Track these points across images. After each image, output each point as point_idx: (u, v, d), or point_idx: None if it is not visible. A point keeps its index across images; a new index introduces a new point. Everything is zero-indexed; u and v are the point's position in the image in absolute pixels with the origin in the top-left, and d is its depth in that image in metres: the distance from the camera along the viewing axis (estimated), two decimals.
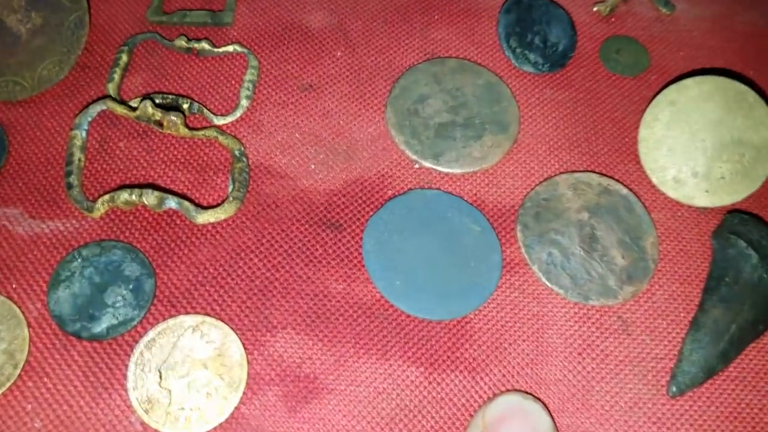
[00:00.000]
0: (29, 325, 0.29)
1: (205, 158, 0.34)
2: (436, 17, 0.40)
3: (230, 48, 0.37)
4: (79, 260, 0.30)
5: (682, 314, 0.33)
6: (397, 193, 0.34)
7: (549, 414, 0.29)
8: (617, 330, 0.32)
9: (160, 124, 0.33)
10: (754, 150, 0.36)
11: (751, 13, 0.43)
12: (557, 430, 0.29)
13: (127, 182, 0.33)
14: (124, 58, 0.36)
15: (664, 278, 0.34)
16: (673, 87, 0.37)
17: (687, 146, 0.36)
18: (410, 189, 0.35)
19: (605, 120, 0.38)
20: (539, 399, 0.30)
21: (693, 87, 0.37)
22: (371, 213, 0.34)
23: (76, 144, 0.33)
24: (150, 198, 0.31)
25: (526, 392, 0.30)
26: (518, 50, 0.39)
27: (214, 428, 0.27)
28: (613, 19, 0.42)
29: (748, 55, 0.41)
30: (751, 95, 0.36)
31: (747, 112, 0.36)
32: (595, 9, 0.42)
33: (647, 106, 0.37)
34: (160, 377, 0.27)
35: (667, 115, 0.37)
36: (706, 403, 0.31)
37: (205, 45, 0.36)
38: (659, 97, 0.37)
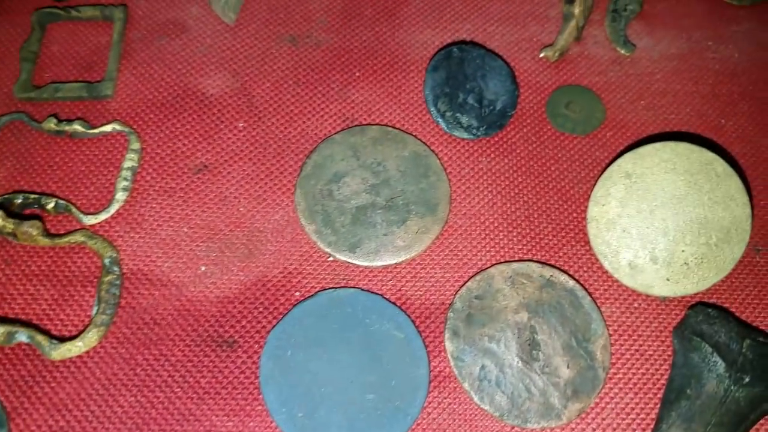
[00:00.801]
0: None
1: (73, 268, 0.29)
2: (356, 75, 0.35)
3: (108, 128, 0.31)
4: None
5: None
6: (304, 296, 0.29)
7: None
8: None
9: (14, 235, 0.28)
10: (723, 231, 0.31)
11: (726, 48, 0.38)
12: None
13: None
14: None
15: (615, 389, 0.29)
16: (628, 156, 0.31)
17: (645, 227, 0.31)
18: (321, 290, 0.29)
19: (550, 193, 0.33)
20: None
21: (651, 155, 0.31)
22: (273, 324, 0.28)
23: None
24: None
25: None
26: (448, 114, 0.34)
27: None
28: (562, 66, 0.37)
29: (720, 99, 0.36)
30: (720, 164, 0.31)
31: (714, 185, 0.31)
32: (541, 55, 0.37)
33: (599, 177, 0.32)
34: None
35: (621, 191, 0.31)
36: None
37: (77, 127, 0.31)
38: (612, 167, 0.32)
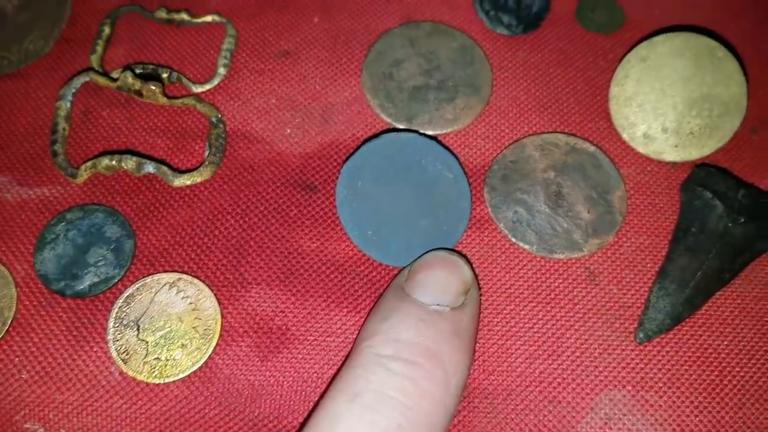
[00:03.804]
0: (16, 285, 0.31)
1: (184, 125, 0.35)
2: None
3: (209, 18, 0.38)
4: (64, 223, 0.32)
5: (648, 264, 0.34)
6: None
7: None
8: (584, 281, 0.33)
9: (139, 93, 0.35)
10: (723, 105, 0.36)
11: None
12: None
13: (109, 149, 0.35)
14: (107, 30, 0.38)
15: (631, 231, 0.34)
16: (644, 44, 0.37)
17: (657, 103, 0.37)
18: (384, 132, 0.36)
19: (578, 79, 0.39)
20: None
21: (663, 43, 0.37)
22: None
23: (61, 114, 0.35)
24: (129, 163, 0.32)
25: None
26: (491, 13, 0.40)
27: (188, 376, 0.29)
28: None
29: (725, 10, 0.41)
30: (721, 50, 0.37)
31: (716, 67, 0.36)
32: None
33: (619, 63, 0.37)
34: (138, 330, 0.29)
35: (637, 72, 0.37)
36: (673, 348, 0.32)
37: (184, 15, 0.37)
38: (630, 54, 0.37)
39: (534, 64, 0.39)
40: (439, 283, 0.29)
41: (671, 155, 0.36)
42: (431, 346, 0.27)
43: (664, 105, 0.37)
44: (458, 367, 0.28)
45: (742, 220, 0.33)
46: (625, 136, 0.37)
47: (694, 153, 0.36)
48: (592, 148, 0.36)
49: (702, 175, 0.35)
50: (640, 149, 0.37)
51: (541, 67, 0.39)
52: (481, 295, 0.32)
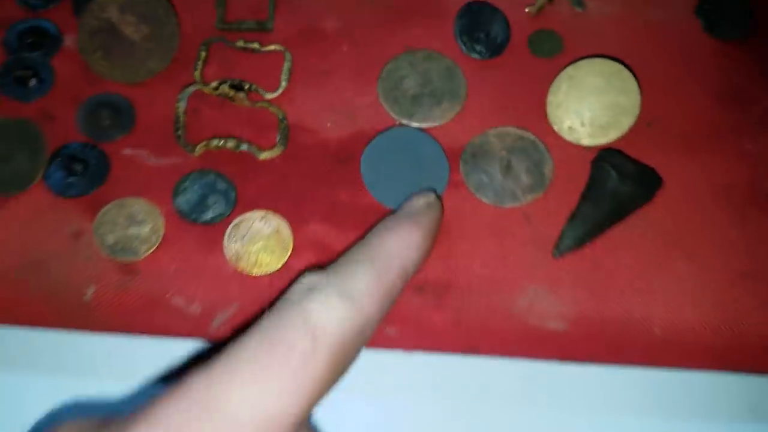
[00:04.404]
0: (164, 216, 0.49)
1: (261, 120, 0.53)
2: (412, 20, 0.59)
3: (272, 47, 0.55)
4: (189, 180, 0.49)
5: (565, 210, 0.51)
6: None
7: None
8: (522, 222, 0.51)
9: (231, 98, 0.52)
10: (624, 108, 0.53)
11: (655, 12, 0.60)
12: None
13: (215, 134, 0.52)
14: (203, 54, 0.55)
15: (555, 190, 0.52)
16: (571, 66, 0.54)
17: (578, 106, 0.54)
18: (393, 126, 0.53)
19: (526, 90, 0.56)
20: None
21: (585, 66, 0.54)
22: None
23: (180, 111, 0.52)
24: (230, 143, 0.50)
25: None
26: (468, 43, 0.57)
27: (275, 272, 0.47)
28: (540, 17, 0.60)
29: (632, 44, 0.59)
30: (626, 72, 0.54)
31: (622, 84, 0.54)
32: (526, 10, 0.60)
33: (554, 79, 0.55)
34: (242, 244, 0.47)
35: (566, 85, 0.54)
36: (576, 261, 0.48)
37: (256, 45, 0.55)
38: (562, 73, 0.54)
39: (498, 80, 0.56)
40: (410, 201, 0.44)
41: (586, 141, 0.53)
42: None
43: (583, 108, 0.54)
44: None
45: (628, 183, 0.51)
46: (555, 128, 0.54)
47: (602, 140, 0.53)
48: (533, 137, 0.53)
49: (605, 154, 0.52)
50: (566, 137, 0.54)
51: (503, 82, 0.56)
52: (450, 231, 0.50)
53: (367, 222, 0.49)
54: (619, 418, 0.47)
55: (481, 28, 0.57)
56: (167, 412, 0.28)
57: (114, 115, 0.51)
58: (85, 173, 0.49)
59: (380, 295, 0.35)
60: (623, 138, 0.52)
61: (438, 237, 0.46)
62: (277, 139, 0.51)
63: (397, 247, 0.38)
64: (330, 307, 0.33)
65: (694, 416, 0.47)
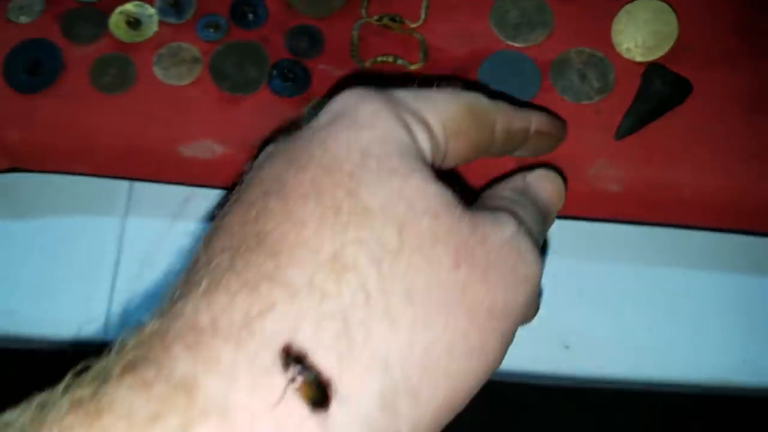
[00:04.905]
0: None
1: (409, 43, 0.75)
2: None
3: None
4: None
5: (623, 107, 0.73)
6: None
7: None
8: (594, 114, 0.73)
9: (390, 28, 0.75)
10: (665, 35, 0.74)
11: None
12: None
13: (378, 53, 0.75)
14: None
15: (617, 93, 0.74)
16: (629, 4, 0.76)
17: (634, 32, 0.75)
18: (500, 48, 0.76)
19: (598, 22, 0.77)
20: None
21: (639, 4, 0.75)
22: None
23: (354, 37, 0.75)
24: (389, 58, 0.73)
25: None
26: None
27: None
28: None
29: None
30: (667, 8, 0.74)
31: (665, 17, 0.73)
32: None
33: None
34: None
35: (625, 17, 0.75)
36: (630, 142, 0.72)
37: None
38: (622, 9, 0.75)
39: (576, 13, 0.78)
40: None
41: (639, 58, 0.74)
42: None
43: (637, 34, 0.75)
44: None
45: (667, 88, 0.73)
46: (617, 49, 0.75)
47: (650, 57, 0.74)
48: (601, 54, 0.74)
49: (652, 68, 0.74)
50: (624, 55, 0.74)
51: (580, 14, 0.77)
52: None
53: None
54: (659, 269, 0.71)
55: None
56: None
57: (310, 39, 0.74)
58: (295, 81, 0.72)
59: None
60: (665, 56, 0.73)
61: None
62: (419, 56, 0.74)
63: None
64: None
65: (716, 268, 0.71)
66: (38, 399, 0.23)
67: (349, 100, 0.34)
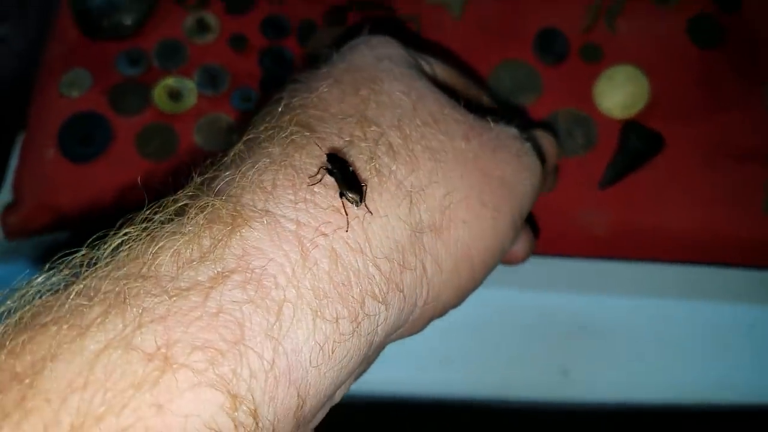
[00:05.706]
0: None
1: None
2: (503, 41, 0.91)
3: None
4: None
5: (605, 160, 0.84)
6: None
7: None
8: (579, 167, 0.84)
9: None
10: (639, 96, 0.86)
11: (660, 28, 0.92)
12: None
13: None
14: None
15: (599, 147, 0.85)
16: (608, 69, 0.86)
17: (612, 93, 0.86)
18: None
19: (580, 84, 0.88)
20: None
21: (616, 69, 0.86)
22: None
23: None
24: None
25: None
26: (542, 54, 0.89)
27: None
28: (587, 35, 0.92)
29: (653, 54, 0.91)
30: (640, 73, 0.85)
31: (637, 80, 0.86)
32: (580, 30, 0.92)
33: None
34: None
35: (605, 81, 0.87)
36: (613, 190, 0.82)
37: None
38: (602, 74, 0.87)
39: (561, 78, 0.88)
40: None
41: (618, 115, 0.86)
42: None
43: (615, 95, 0.86)
44: None
45: (643, 142, 0.83)
46: (598, 108, 0.86)
47: (627, 114, 0.85)
48: (585, 114, 0.86)
49: (627, 125, 0.84)
50: (605, 113, 0.86)
51: (565, 79, 0.88)
52: None
53: None
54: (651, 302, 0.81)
55: (550, 44, 0.90)
56: None
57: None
58: None
59: None
60: (640, 113, 0.84)
61: None
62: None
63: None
64: None
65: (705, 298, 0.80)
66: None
67: (363, 36, 0.37)
